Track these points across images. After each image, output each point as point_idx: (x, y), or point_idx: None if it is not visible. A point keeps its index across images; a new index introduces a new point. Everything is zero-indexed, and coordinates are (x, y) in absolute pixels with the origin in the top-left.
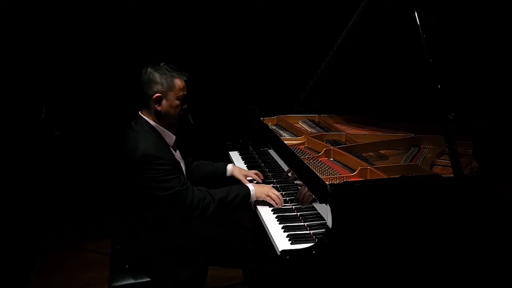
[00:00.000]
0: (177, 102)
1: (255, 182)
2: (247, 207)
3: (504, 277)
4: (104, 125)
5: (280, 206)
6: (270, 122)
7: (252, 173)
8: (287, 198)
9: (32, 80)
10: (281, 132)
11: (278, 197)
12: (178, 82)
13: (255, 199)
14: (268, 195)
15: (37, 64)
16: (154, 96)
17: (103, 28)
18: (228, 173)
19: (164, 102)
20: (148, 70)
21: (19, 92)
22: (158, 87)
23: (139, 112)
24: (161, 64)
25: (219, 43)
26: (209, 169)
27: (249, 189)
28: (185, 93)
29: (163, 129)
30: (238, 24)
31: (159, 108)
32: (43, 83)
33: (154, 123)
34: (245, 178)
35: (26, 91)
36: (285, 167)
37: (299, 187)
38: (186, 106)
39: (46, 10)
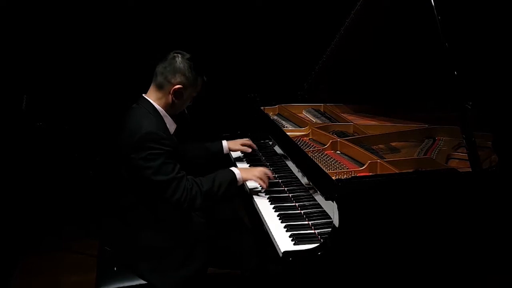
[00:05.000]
0: (190, 98)
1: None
2: (244, 197)
3: None
4: (91, 115)
5: (266, 183)
6: (272, 112)
7: (246, 141)
8: (290, 195)
9: (12, 67)
10: (284, 122)
11: (265, 173)
12: (200, 82)
13: (242, 182)
14: (256, 176)
15: (18, 50)
16: (175, 87)
17: (88, 14)
18: (225, 151)
19: (182, 95)
20: (179, 58)
21: None
22: (183, 79)
23: (143, 95)
24: (189, 56)
25: (215, 26)
26: (203, 152)
27: (234, 174)
28: (199, 92)
29: (166, 114)
30: (236, 5)
31: (174, 99)
32: (24, 70)
33: (158, 106)
34: (242, 147)
35: (5, 79)
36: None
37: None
38: (191, 103)
39: None
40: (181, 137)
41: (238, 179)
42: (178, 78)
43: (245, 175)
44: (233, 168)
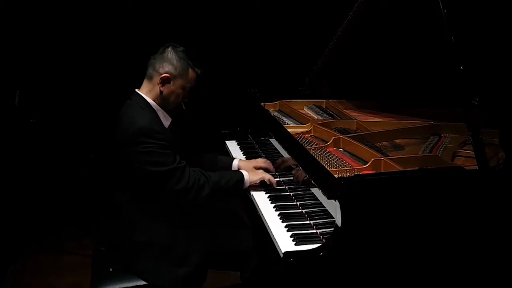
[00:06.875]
0: (181, 91)
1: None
2: (244, 196)
3: None
4: (85, 111)
5: (274, 186)
6: (272, 108)
7: (261, 162)
8: (291, 194)
9: (5, 62)
10: (284, 119)
11: (271, 179)
12: (191, 73)
13: (248, 184)
14: (261, 178)
15: (10, 44)
16: (162, 75)
17: (81, 9)
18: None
19: (169, 85)
20: (169, 49)
21: None
22: (171, 68)
23: (136, 90)
24: (182, 49)
25: (215, 20)
26: (211, 165)
27: (242, 174)
28: (192, 86)
29: (159, 108)
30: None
31: (162, 89)
32: (17, 65)
33: (151, 101)
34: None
35: None
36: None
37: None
38: (187, 99)
39: None
40: (181, 135)
41: (245, 180)
42: (166, 68)
43: (252, 177)
44: (242, 170)
